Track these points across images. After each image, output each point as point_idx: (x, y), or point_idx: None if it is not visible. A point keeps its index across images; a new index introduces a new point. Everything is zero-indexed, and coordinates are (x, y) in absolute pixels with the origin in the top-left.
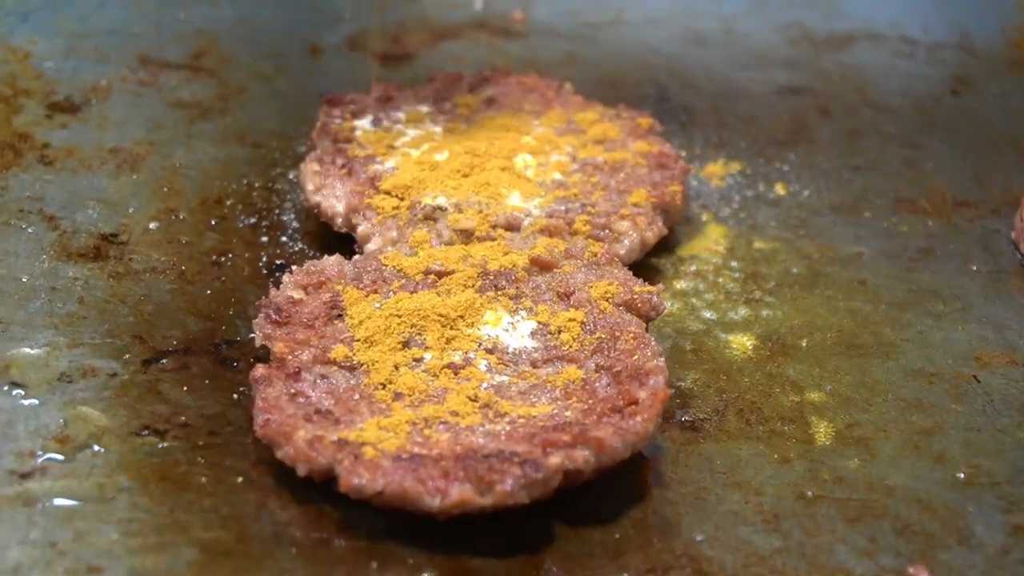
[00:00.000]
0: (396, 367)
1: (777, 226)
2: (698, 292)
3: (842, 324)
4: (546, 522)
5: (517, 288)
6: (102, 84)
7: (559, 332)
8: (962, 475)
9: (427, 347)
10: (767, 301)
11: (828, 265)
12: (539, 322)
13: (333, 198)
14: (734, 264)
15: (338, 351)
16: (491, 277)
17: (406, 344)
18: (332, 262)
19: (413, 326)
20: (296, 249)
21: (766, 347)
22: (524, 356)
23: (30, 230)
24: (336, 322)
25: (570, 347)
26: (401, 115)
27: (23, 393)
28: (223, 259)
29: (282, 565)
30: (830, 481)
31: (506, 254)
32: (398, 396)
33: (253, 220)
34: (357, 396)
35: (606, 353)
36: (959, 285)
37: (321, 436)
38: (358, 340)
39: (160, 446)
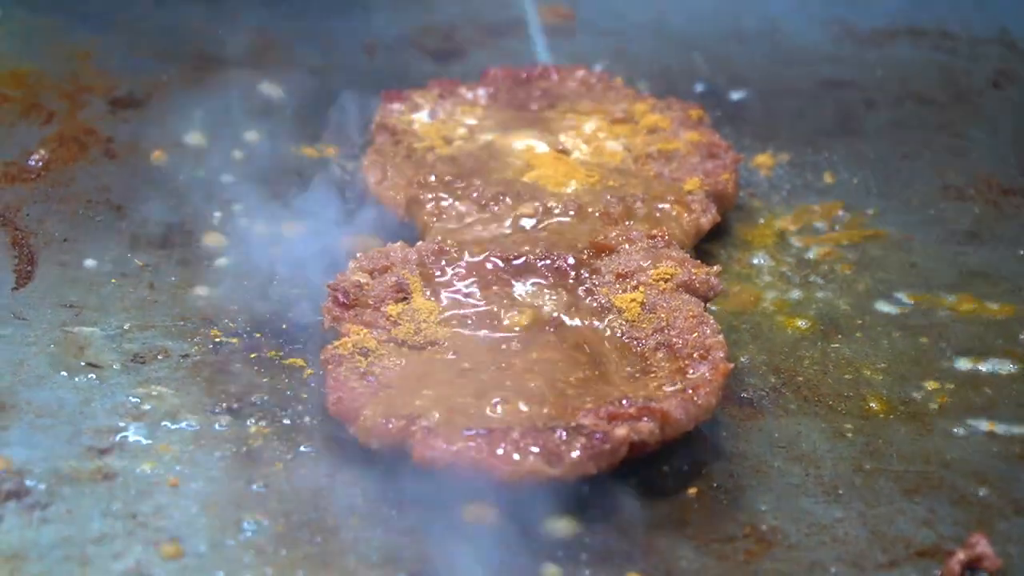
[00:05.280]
0: (463, 345)
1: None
2: (751, 276)
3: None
4: (612, 493)
5: (577, 271)
6: (162, 80)
7: (620, 312)
8: (1017, 449)
9: (492, 326)
10: (820, 284)
11: (879, 249)
12: (599, 303)
13: (393, 189)
14: (786, 249)
15: (405, 331)
16: (551, 260)
17: (472, 323)
18: (396, 247)
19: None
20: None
21: (820, 327)
22: (586, 335)
23: (98, 219)
24: (402, 304)
25: (631, 326)
26: (457, 109)
27: (98, 374)
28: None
29: (357, 534)
30: (887, 454)
31: (564, 239)
32: (465, 372)
33: (315, 209)
34: (425, 373)
35: (666, 331)
36: (1008, 268)
37: (392, 411)
38: (424, 321)
39: (234, 423)
